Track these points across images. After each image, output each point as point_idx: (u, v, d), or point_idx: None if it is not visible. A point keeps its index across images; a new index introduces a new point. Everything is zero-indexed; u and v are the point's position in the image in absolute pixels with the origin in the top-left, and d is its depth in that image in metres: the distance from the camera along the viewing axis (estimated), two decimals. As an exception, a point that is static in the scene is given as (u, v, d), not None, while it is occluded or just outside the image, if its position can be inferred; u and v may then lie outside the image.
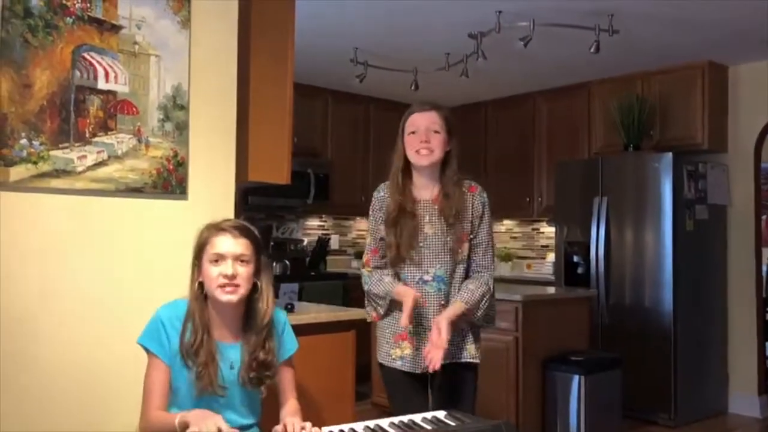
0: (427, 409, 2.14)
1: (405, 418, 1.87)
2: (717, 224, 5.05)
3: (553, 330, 4.04)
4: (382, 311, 2.39)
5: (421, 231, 2.34)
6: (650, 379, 4.69)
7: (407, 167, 2.38)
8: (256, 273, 1.94)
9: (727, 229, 5.13)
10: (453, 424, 1.83)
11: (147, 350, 1.91)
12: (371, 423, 1.82)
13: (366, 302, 2.47)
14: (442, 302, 2.33)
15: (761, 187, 5.19)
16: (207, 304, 1.92)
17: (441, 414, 1.91)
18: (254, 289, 1.95)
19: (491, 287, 2.38)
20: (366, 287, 2.43)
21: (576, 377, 3.82)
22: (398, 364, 2.35)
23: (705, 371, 4.90)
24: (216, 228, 1.92)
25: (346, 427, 1.80)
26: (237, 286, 1.88)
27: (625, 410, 4.17)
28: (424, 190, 2.38)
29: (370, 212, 2.47)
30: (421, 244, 2.33)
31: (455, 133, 2.40)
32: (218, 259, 1.88)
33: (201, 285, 1.91)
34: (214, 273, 1.87)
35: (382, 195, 2.44)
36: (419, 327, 2.33)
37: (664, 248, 4.69)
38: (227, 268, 1.86)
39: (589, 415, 3.80)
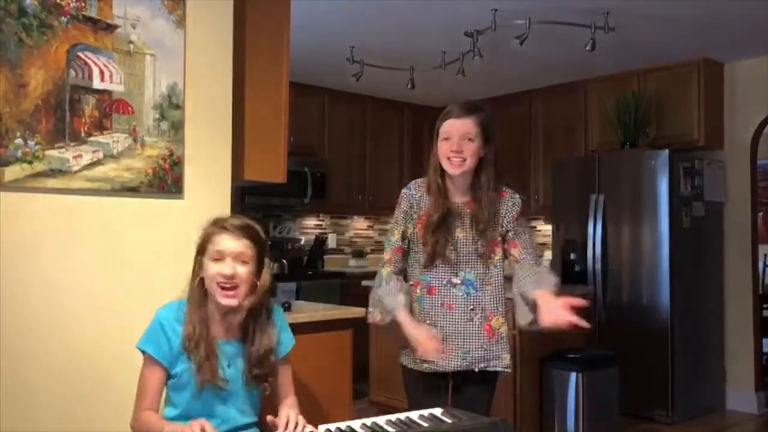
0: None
1: (402, 416, 1.87)
2: (713, 221, 5.06)
3: (550, 327, 4.03)
4: (387, 320, 2.31)
5: (451, 234, 2.29)
6: (647, 375, 4.69)
7: (442, 168, 2.32)
8: (257, 273, 1.94)
9: (724, 226, 5.13)
10: (450, 421, 1.83)
11: (143, 352, 1.91)
12: (368, 421, 1.83)
13: (371, 303, 2.37)
14: (471, 307, 2.28)
15: (757, 184, 5.20)
16: (206, 301, 1.92)
17: (438, 411, 1.91)
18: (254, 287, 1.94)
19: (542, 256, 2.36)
20: (378, 290, 2.34)
21: (573, 374, 3.82)
22: (425, 367, 2.30)
23: (702, 368, 4.90)
24: (219, 226, 1.92)
25: (343, 425, 1.80)
26: (236, 287, 1.88)
27: (622, 407, 4.17)
28: (457, 194, 2.33)
29: (397, 208, 2.38)
30: (451, 247, 2.28)
31: (493, 139, 2.31)
32: (219, 257, 1.88)
33: (202, 281, 1.92)
34: (213, 271, 1.88)
35: (413, 192, 2.36)
36: (444, 331, 2.27)
37: (661, 245, 4.70)
38: (226, 267, 1.87)
39: (586, 412, 3.80)
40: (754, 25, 4.25)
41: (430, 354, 2.19)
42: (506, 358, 2.34)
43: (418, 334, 2.20)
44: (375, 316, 2.36)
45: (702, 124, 4.95)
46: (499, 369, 2.33)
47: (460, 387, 2.34)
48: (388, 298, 2.28)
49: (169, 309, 1.94)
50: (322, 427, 1.80)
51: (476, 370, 2.30)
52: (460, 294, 2.29)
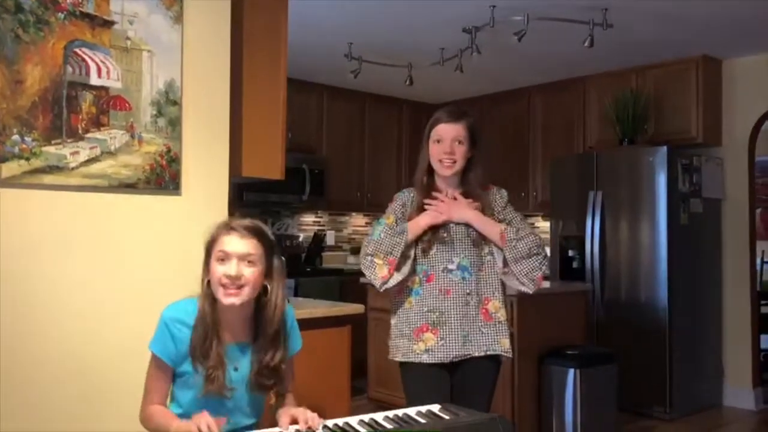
0: (450, 400, 2.18)
1: (399, 412, 1.87)
2: (711, 218, 5.06)
3: (548, 324, 4.04)
4: (397, 250, 2.32)
5: (445, 223, 2.40)
6: (645, 372, 4.70)
7: (431, 168, 2.46)
8: (267, 275, 1.89)
9: (722, 223, 5.14)
10: (447, 417, 1.83)
11: (151, 351, 1.88)
12: (366, 417, 1.82)
13: (371, 262, 2.36)
14: (468, 291, 2.38)
15: (755, 181, 5.20)
16: (216, 304, 1.86)
17: (435, 407, 1.91)
18: (264, 291, 1.89)
19: (539, 239, 2.41)
20: (374, 242, 2.36)
21: (571, 371, 3.82)
22: (425, 358, 2.35)
23: (700, 364, 4.91)
24: (225, 226, 1.87)
25: (341, 421, 1.80)
26: (240, 288, 1.83)
27: (620, 404, 4.18)
28: (446, 190, 2.46)
29: (390, 205, 2.50)
30: (444, 235, 2.40)
31: (479, 141, 2.46)
32: (224, 257, 1.83)
33: (209, 283, 1.86)
34: (218, 272, 1.83)
35: (406, 195, 2.50)
36: (442, 316, 2.36)
37: (659, 242, 4.70)
38: (231, 268, 1.82)
39: (584, 408, 3.81)
40: (752, 22, 4.25)
41: (442, 208, 2.37)
42: (505, 343, 2.42)
43: (425, 213, 2.37)
44: (381, 270, 2.34)
45: (700, 121, 4.95)
46: (498, 352, 2.41)
47: (462, 376, 2.40)
48: (390, 231, 2.37)
49: (174, 309, 1.89)
50: (319, 424, 1.80)
51: (476, 355, 2.36)
52: (457, 279, 2.38)
